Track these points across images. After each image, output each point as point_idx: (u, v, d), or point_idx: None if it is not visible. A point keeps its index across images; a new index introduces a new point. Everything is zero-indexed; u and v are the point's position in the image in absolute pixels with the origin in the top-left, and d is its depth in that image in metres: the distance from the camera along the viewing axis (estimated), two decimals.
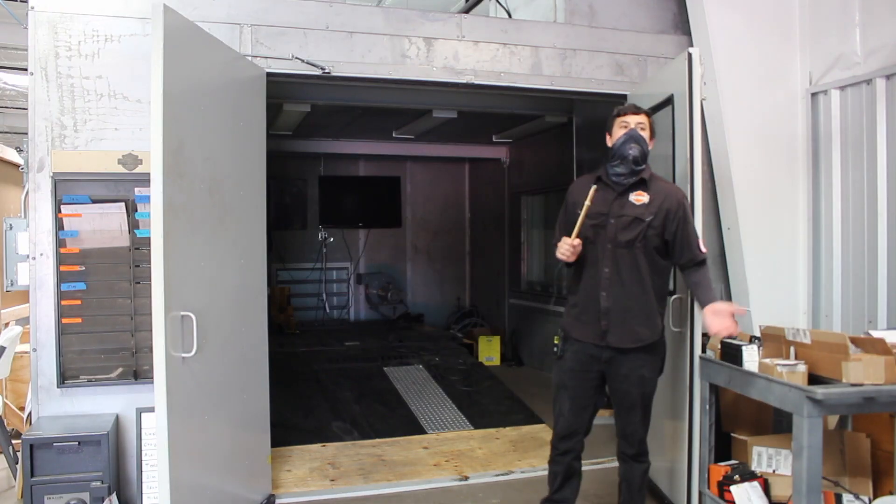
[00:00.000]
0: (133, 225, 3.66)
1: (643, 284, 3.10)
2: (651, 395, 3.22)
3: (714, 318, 3.10)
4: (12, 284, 3.69)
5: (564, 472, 3.26)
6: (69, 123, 3.58)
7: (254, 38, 3.84)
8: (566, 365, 3.19)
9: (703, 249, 3.20)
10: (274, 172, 4.71)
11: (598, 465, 4.21)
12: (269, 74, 3.84)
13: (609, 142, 3.21)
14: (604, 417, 5.18)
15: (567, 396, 3.19)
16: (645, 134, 3.13)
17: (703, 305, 3.18)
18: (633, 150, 3.08)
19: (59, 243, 3.56)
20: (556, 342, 3.24)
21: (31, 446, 3.34)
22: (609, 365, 3.13)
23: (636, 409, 3.18)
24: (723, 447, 3.71)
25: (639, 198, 3.12)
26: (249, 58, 3.79)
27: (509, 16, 5.06)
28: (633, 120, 3.15)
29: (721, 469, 3.45)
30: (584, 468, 3.34)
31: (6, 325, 5.17)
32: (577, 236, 3.04)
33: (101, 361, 3.62)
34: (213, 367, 3.19)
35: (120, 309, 3.64)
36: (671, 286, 3.70)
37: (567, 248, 3.04)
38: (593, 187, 3.07)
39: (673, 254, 3.18)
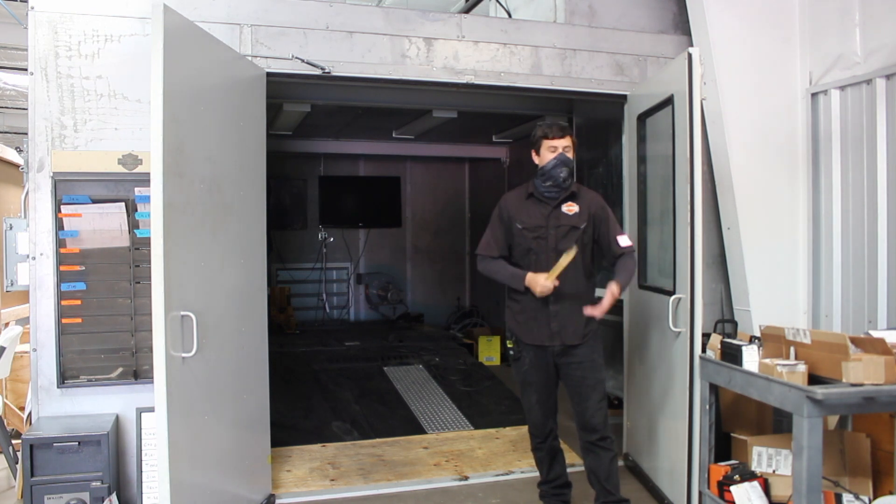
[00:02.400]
0: (133, 225, 3.66)
1: (584, 285, 3.43)
2: (604, 381, 3.47)
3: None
4: (12, 284, 3.69)
5: (549, 453, 3.58)
6: (69, 123, 3.58)
7: (254, 38, 3.84)
8: (525, 365, 3.48)
9: (624, 244, 3.42)
10: (274, 172, 4.71)
11: None
12: (269, 74, 3.84)
13: (536, 160, 3.45)
14: None
15: (533, 391, 3.49)
16: (570, 154, 3.40)
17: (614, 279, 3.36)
18: (564, 173, 3.36)
19: (59, 243, 3.56)
20: (509, 346, 3.54)
21: (31, 446, 3.34)
22: (561, 356, 3.40)
23: (594, 393, 3.40)
24: (723, 447, 3.72)
25: (570, 208, 3.41)
26: (249, 58, 3.79)
27: (509, 16, 5.06)
28: (561, 144, 3.38)
29: (721, 469, 3.45)
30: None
31: (6, 325, 5.17)
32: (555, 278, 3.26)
33: (101, 361, 3.62)
34: (213, 367, 3.19)
35: (120, 309, 3.64)
36: (672, 286, 3.71)
37: (549, 286, 3.25)
38: (569, 254, 3.25)
39: (601, 252, 3.48)
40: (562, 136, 3.38)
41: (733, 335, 3.90)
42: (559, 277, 3.31)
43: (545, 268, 3.33)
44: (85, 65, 3.58)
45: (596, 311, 3.27)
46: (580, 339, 3.38)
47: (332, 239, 9.20)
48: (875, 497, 3.35)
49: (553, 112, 5.92)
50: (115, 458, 3.54)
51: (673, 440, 3.72)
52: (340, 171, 9.17)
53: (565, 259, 3.24)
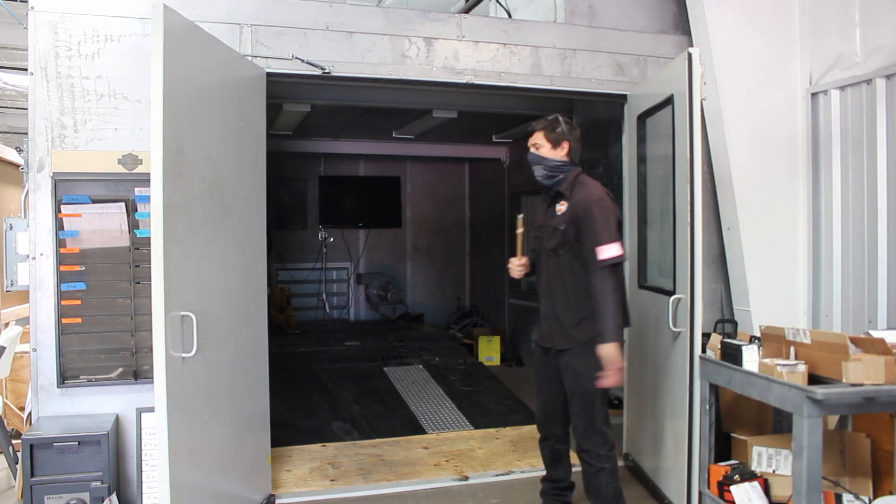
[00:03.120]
0: (133, 225, 3.66)
1: (571, 289, 3.24)
2: (589, 393, 3.21)
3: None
4: (12, 284, 3.69)
5: (550, 454, 3.53)
6: (69, 123, 3.58)
7: (254, 38, 3.84)
8: (534, 361, 3.56)
9: (602, 256, 3.08)
10: (274, 172, 4.71)
11: None
12: (269, 74, 3.84)
13: None
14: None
15: (537, 387, 3.52)
16: (543, 150, 3.29)
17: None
18: (536, 171, 3.32)
19: (59, 243, 3.57)
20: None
21: (31, 446, 3.34)
22: (555, 360, 3.35)
23: (572, 403, 3.30)
24: (723, 447, 3.72)
25: (560, 207, 3.30)
26: (249, 58, 3.79)
27: (509, 16, 5.06)
28: (531, 142, 3.34)
29: (721, 469, 3.45)
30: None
31: (6, 325, 5.17)
32: (523, 254, 3.49)
33: (101, 361, 3.62)
34: (213, 367, 3.19)
35: (120, 309, 3.64)
36: (672, 286, 3.71)
37: (513, 265, 3.48)
38: (520, 217, 3.50)
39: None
40: (530, 134, 3.33)
41: (733, 335, 3.90)
42: (548, 278, 3.32)
43: (543, 268, 3.37)
44: (85, 65, 3.58)
45: (605, 383, 3.09)
46: (567, 344, 3.24)
47: (332, 239, 9.20)
48: (875, 497, 3.35)
49: (553, 112, 5.92)
50: (115, 458, 3.54)
51: (673, 440, 3.72)
52: (340, 171, 9.17)
53: (519, 230, 3.40)
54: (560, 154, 3.28)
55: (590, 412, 3.24)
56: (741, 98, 4.21)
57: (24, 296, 4.11)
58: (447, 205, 9.63)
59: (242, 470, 3.57)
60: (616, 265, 3.13)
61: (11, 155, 6.22)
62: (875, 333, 3.06)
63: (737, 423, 3.87)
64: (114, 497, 3.41)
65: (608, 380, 3.08)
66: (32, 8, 3.54)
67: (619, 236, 3.18)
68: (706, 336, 3.62)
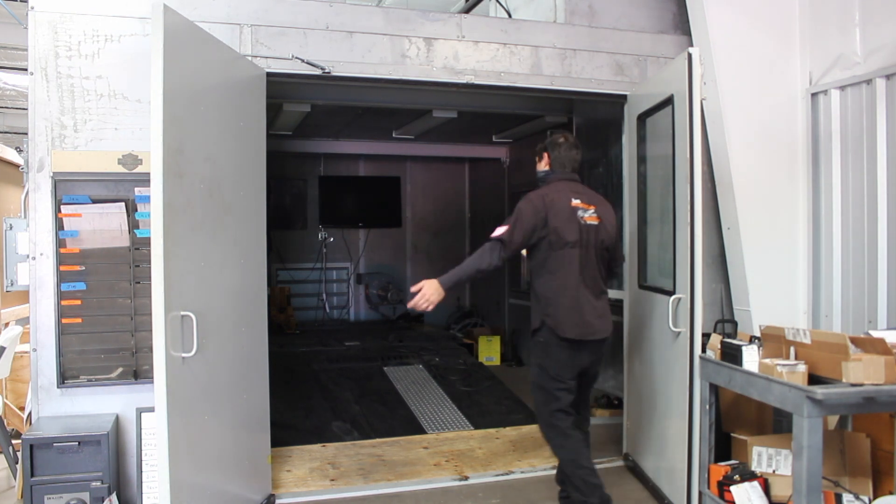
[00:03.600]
0: (133, 225, 3.66)
1: (532, 284, 3.51)
2: (533, 383, 3.47)
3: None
4: (12, 284, 3.69)
5: None
6: (69, 123, 3.58)
7: (254, 38, 3.84)
8: None
9: (493, 233, 3.38)
10: (274, 172, 4.71)
11: (599, 466, 4.19)
12: (269, 74, 3.84)
13: None
14: (603, 417, 5.22)
15: None
16: (537, 165, 3.63)
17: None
18: None
19: (59, 243, 3.57)
20: None
21: (31, 446, 3.34)
22: None
23: None
24: (723, 447, 3.72)
25: None
26: (249, 58, 3.79)
27: (509, 16, 5.06)
28: None
29: (721, 469, 3.45)
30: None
31: (6, 325, 5.17)
32: None
33: (101, 361, 3.63)
34: (213, 367, 3.19)
35: (120, 309, 3.65)
36: (672, 286, 3.71)
37: None
38: None
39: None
40: None
41: (733, 335, 3.90)
42: None
43: None
44: (85, 65, 3.58)
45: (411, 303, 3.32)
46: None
47: (332, 239, 9.20)
48: (875, 497, 3.35)
49: (553, 112, 5.93)
50: (115, 458, 3.54)
51: (673, 440, 3.72)
52: (340, 171, 9.17)
53: None
54: (541, 165, 3.60)
55: (536, 402, 3.45)
56: (741, 98, 4.21)
57: (24, 296, 4.11)
58: (447, 205, 9.63)
59: (242, 470, 3.57)
60: (505, 248, 3.35)
61: (11, 155, 6.22)
62: (875, 333, 3.06)
63: (737, 423, 3.88)
64: (114, 497, 3.41)
65: (411, 301, 3.31)
66: (32, 8, 3.54)
67: (512, 223, 3.38)
68: (706, 336, 3.63)
